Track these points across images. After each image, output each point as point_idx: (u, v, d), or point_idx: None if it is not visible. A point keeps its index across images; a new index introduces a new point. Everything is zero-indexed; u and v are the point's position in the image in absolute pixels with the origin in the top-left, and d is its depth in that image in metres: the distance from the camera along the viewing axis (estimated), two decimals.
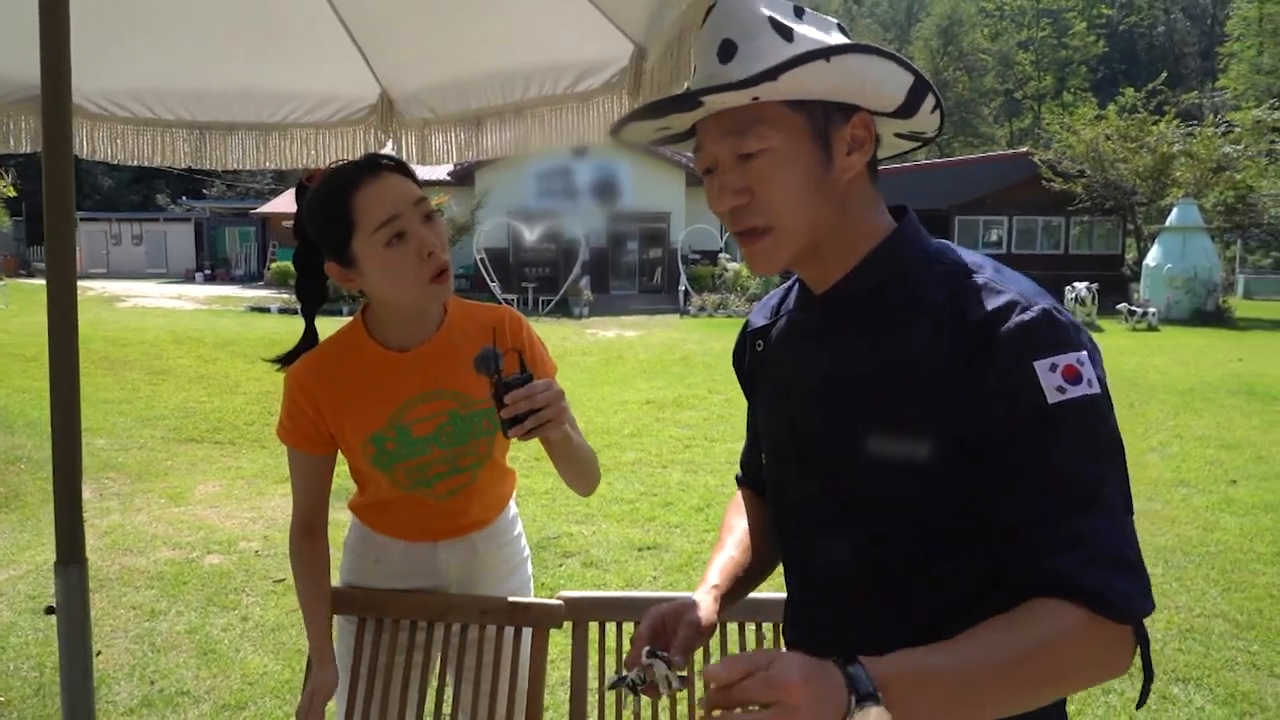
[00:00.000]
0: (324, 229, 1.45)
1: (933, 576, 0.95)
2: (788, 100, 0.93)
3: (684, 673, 1.08)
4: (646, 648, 1.07)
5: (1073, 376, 0.86)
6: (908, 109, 0.98)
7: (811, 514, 1.05)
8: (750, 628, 1.64)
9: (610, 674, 1.17)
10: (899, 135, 1.04)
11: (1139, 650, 0.85)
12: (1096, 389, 0.86)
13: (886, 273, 0.99)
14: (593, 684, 1.65)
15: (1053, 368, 0.86)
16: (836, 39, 0.97)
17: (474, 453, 1.57)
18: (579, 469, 1.50)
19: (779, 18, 0.96)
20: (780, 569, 1.19)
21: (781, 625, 1.29)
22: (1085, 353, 0.87)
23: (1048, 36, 57.61)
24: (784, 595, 1.17)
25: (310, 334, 1.59)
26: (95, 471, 5.88)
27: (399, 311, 1.51)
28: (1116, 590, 0.82)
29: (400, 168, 1.45)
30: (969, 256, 0.98)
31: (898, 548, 0.96)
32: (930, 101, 0.98)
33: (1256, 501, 5.47)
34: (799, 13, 0.98)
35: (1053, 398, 0.85)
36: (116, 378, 9.75)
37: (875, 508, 0.97)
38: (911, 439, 0.92)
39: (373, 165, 1.43)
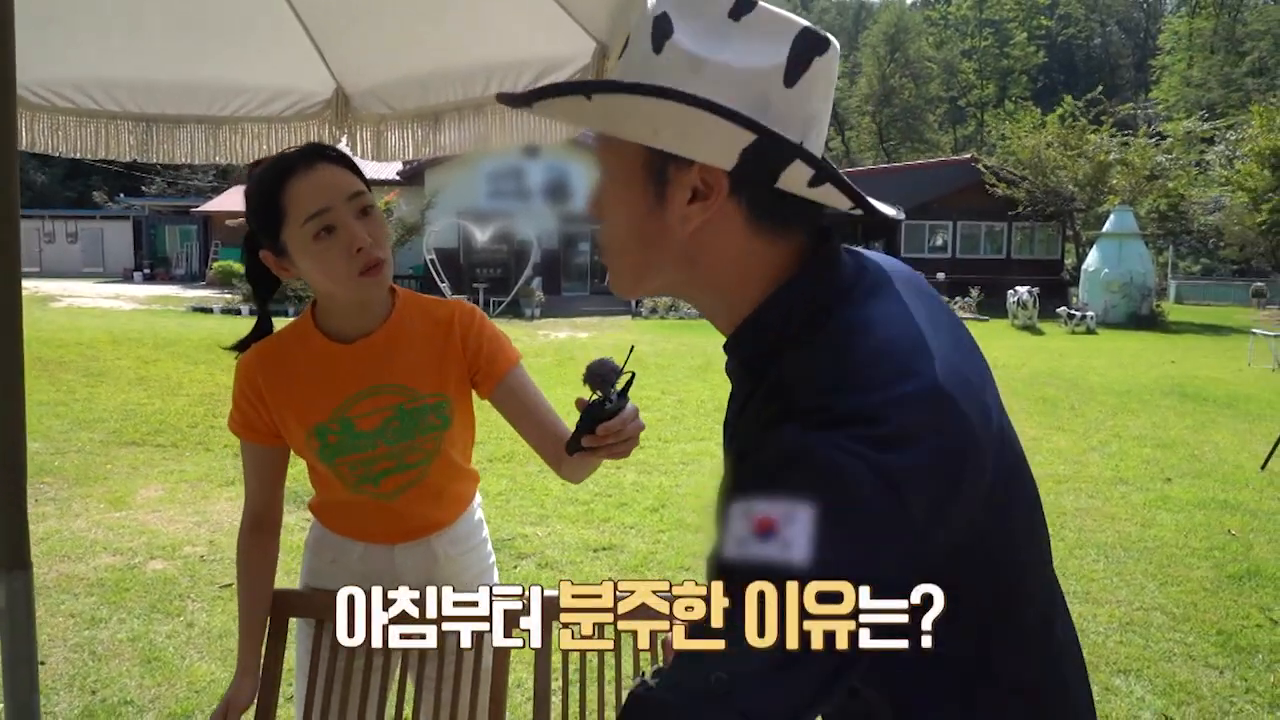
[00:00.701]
0: (257, 216, 1.44)
1: None
2: None
3: None
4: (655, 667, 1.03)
5: (764, 531, 0.64)
6: (754, 173, 0.74)
7: None
8: None
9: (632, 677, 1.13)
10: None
11: None
12: (795, 559, 0.62)
13: (761, 345, 0.81)
14: (555, 684, 1.64)
15: (746, 513, 0.65)
16: (767, 55, 0.73)
17: (421, 449, 1.53)
18: (591, 465, 1.49)
19: (675, 16, 0.74)
20: None
21: None
22: (813, 513, 0.63)
23: (990, 46, 59.00)
24: None
25: (263, 321, 1.57)
26: (30, 476, 5.63)
27: (338, 301, 1.49)
28: None
29: (341, 159, 1.43)
30: (835, 353, 0.74)
31: None
32: (801, 172, 0.73)
33: (1190, 498, 5.67)
34: (737, 13, 0.74)
35: (728, 550, 0.65)
36: (51, 379, 9.42)
37: None
38: None
39: (310, 155, 1.41)
